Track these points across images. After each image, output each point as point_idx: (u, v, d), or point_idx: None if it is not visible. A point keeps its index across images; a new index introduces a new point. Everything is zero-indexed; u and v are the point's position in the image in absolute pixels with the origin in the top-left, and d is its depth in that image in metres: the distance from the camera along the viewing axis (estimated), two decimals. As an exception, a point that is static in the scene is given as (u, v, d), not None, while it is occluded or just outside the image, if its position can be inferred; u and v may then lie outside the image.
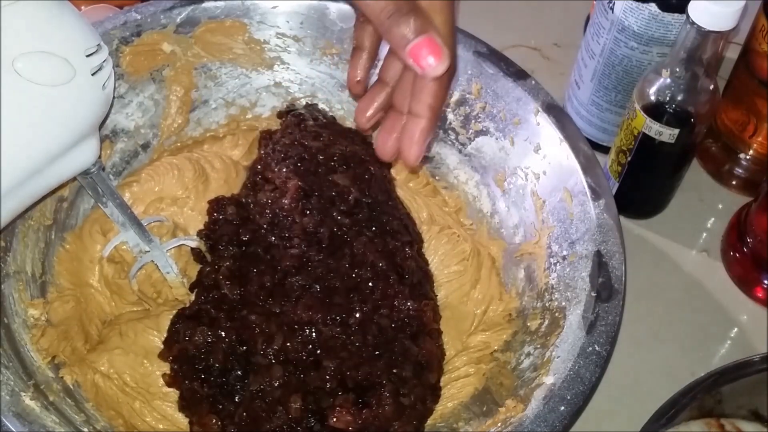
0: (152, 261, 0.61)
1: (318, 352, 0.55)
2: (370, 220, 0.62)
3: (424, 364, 0.56)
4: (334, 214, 0.61)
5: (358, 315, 0.57)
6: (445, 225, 0.67)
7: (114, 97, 0.61)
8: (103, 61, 0.51)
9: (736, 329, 0.67)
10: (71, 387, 0.55)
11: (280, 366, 0.55)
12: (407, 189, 0.70)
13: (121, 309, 0.62)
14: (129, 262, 0.63)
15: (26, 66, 0.45)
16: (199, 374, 0.55)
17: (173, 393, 0.57)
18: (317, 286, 0.58)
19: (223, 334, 0.56)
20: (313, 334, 0.56)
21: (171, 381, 0.56)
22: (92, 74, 0.50)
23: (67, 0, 0.50)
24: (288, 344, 0.55)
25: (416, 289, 0.59)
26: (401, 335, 0.57)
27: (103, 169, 0.58)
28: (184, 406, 0.56)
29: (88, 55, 0.49)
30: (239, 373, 0.55)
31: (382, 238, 0.61)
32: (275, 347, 0.55)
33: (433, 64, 0.44)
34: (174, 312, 0.59)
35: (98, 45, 0.50)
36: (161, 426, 0.56)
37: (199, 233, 0.63)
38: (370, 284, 0.58)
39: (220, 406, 0.54)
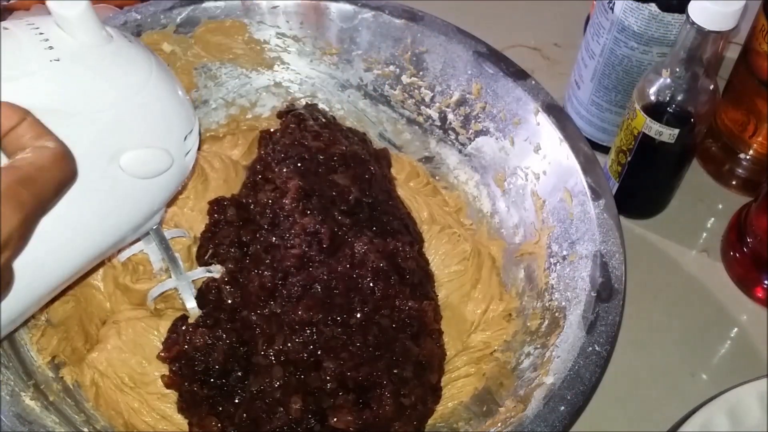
0: (175, 289, 0.59)
1: (318, 352, 0.55)
2: (370, 220, 0.62)
3: (425, 364, 0.56)
4: (335, 214, 0.61)
5: (358, 315, 0.57)
6: (445, 225, 0.67)
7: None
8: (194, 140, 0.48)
9: (736, 329, 0.67)
10: (71, 387, 0.55)
11: (281, 366, 0.54)
12: (407, 189, 0.70)
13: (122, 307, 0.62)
14: (136, 263, 0.62)
15: (131, 163, 0.43)
16: (199, 376, 0.55)
17: (172, 393, 0.57)
18: (318, 287, 0.57)
19: (224, 335, 0.56)
20: (314, 334, 0.56)
21: (170, 382, 0.56)
22: (185, 157, 0.47)
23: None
24: (288, 344, 0.55)
25: (417, 289, 0.59)
26: (402, 335, 0.57)
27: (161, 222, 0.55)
28: (183, 407, 0.56)
29: (184, 139, 0.47)
30: (239, 373, 0.55)
31: (383, 238, 0.61)
32: (276, 348, 0.55)
33: None
34: (176, 315, 0.59)
35: (193, 126, 0.48)
36: (161, 426, 0.56)
37: (202, 235, 0.63)
38: (371, 284, 0.58)
39: (220, 408, 0.54)
